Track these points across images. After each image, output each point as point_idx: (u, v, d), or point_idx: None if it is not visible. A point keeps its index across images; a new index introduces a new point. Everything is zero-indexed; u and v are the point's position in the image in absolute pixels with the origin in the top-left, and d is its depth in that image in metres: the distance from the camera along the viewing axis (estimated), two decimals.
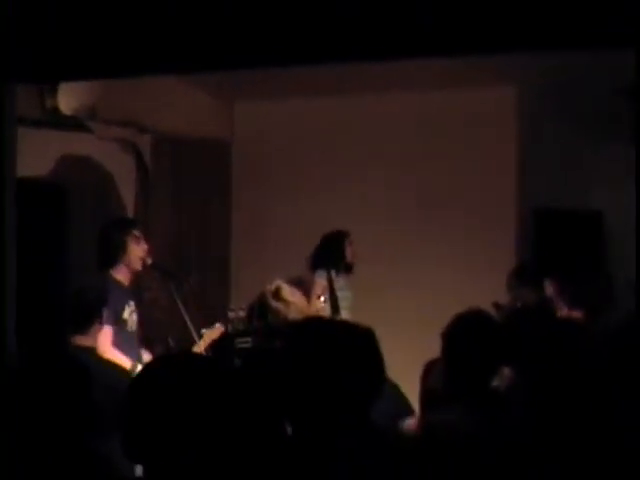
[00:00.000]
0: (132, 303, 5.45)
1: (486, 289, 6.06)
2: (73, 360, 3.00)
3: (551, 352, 3.28)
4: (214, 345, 5.65)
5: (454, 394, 3.31)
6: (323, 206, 7.91)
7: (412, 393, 4.32)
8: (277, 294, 4.57)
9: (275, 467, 2.41)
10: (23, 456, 2.73)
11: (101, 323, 4.49)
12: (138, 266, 5.49)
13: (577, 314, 4.93)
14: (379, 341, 2.52)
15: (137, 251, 5.47)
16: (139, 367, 4.73)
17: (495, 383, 3.34)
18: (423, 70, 6.41)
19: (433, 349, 3.61)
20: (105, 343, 4.89)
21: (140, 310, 5.72)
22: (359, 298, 7.18)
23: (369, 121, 7.95)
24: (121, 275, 5.42)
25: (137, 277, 5.70)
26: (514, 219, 7.67)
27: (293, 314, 4.48)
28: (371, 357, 2.48)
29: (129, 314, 5.39)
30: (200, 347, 5.52)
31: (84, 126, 6.55)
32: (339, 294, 7.07)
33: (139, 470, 2.40)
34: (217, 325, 5.69)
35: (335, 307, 6.99)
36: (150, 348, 5.69)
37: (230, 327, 6.46)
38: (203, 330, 5.61)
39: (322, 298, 6.74)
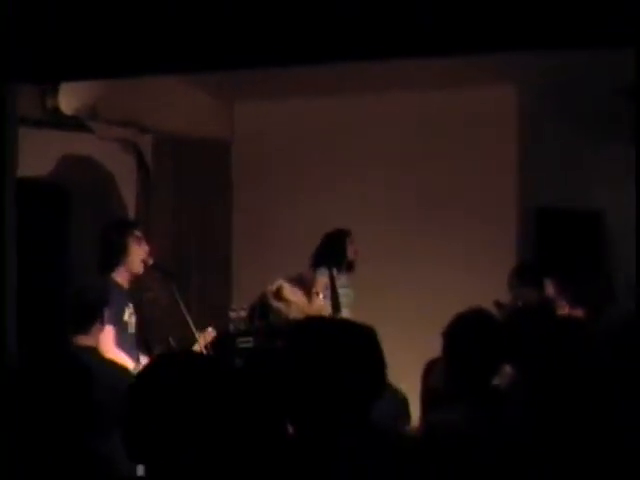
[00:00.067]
0: (131, 305, 5.46)
1: (487, 288, 6.06)
2: (74, 359, 3.00)
3: (551, 351, 3.28)
4: (215, 345, 5.65)
5: (455, 393, 3.31)
6: (323, 205, 7.91)
7: (413, 392, 4.31)
8: (278, 294, 4.57)
9: (276, 466, 2.41)
10: (24, 456, 2.73)
11: (102, 323, 4.49)
12: (139, 268, 5.48)
13: (578, 313, 4.94)
14: (380, 340, 2.53)
15: (138, 252, 5.46)
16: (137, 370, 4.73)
17: (496, 382, 3.34)
18: (423, 70, 6.41)
19: (434, 348, 3.61)
20: (108, 343, 4.90)
21: (141, 311, 5.72)
22: (360, 297, 7.18)
23: (369, 121, 7.95)
24: (121, 277, 5.41)
25: (137, 278, 5.69)
26: (515, 218, 7.67)
27: (294, 314, 4.48)
28: (372, 356, 2.48)
29: (129, 316, 5.40)
30: (197, 349, 5.52)
31: (85, 126, 6.55)
32: (340, 292, 7.08)
33: (141, 470, 2.40)
34: (209, 329, 5.68)
35: (336, 305, 7.00)
36: (148, 351, 5.68)
37: (231, 327, 6.46)
38: (196, 333, 5.60)
39: (321, 295, 6.74)
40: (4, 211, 3.41)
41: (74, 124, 6.45)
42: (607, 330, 3.75)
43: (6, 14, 3.30)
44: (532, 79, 7.11)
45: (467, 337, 3.29)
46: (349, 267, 7.20)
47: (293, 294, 4.61)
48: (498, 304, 5.77)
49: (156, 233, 7.15)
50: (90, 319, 4.39)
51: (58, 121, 6.28)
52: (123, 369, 4.48)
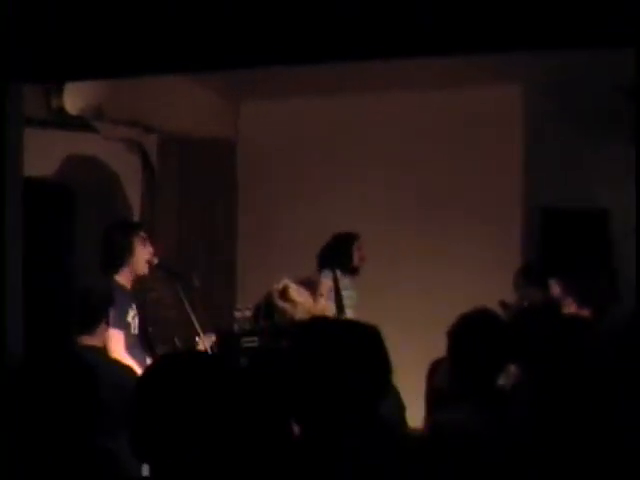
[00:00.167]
0: (134, 306, 5.46)
1: (492, 288, 6.06)
2: (80, 359, 3.01)
3: (556, 351, 3.28)
4: (220, 344, 5.65)
5: (460, 393, 3.31)
6: (329, 205, 7.91)
7: (418, 392, 4.32)
8: (284, 294, 4.57)
9: (281, 466, 2.41)
10: (29, 455, 2.74)
11: (107, 323, 4.50)
12: (144, 269, 5.48)
13: (585, 312, 4.93)
14: (384, 340, 2.53)
15: (143, 253, 5.47)
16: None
17: (502, 381, 3.34)
18: (426, 69, 6.41)
19: (439, 348, 3.61)
20: (118, 348, 4.90)
21: (145, 311, 5.72)
22: (364, 298, 7.18)
23: (373, 120, 7.95)
24: (124, 278, 5.41)
25: (141, 278, 5.69)
26: (519, 218, 7.66)
27: (300, 314, 4.48)
28: (377, 356, 2.48)
29: (132, 317, 5.40)
30: (201, 348, 5.52)
31: (90, 126, 6.55)
32: (344, 294, 7.08)
33: (146, 470, 2.40)
34: (208, 334, 5.68)
35: (340, 306, 7.00)
36: (152, 351, 5.69)
37: (236, 326, 6.46)
38: (197, 337, 5.61)
39: (322, 299, 6.75)
40: (10, 211, 3.41)
41: (79, 124, 6.45)
42: (611, 330, 3.75)
43: (7, 13, 3.31)
44: (536, 79, 7.11)
45: (472, 337, 3.29)
46: (353, 271, 7.20)
47: (299, 294, 4.61)
48: (503, 304, 5.77)
49: (161, 233, 7.15)
50: (95, 320, 4.40)
51: (63, 121, 6.29)
52: (128, 368, 4.48)
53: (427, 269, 7.70)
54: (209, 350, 5.48)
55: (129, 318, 5.35)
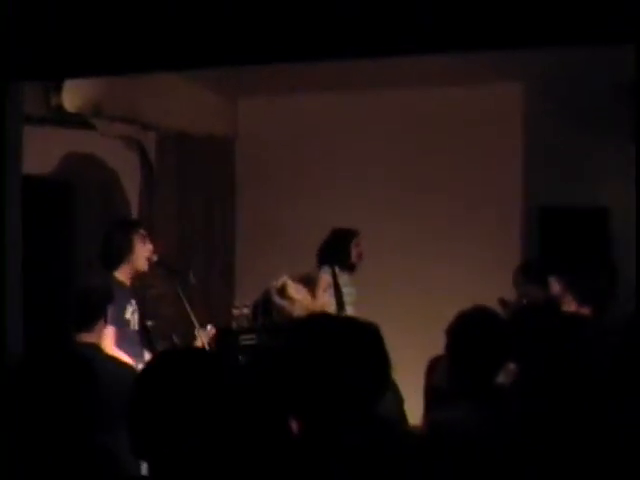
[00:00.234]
0: (134, 302, 5.46)
1: (492, 286, 6.06)
2: (78, 355, 3.01)
3: (555, 349, 3.28)
4: (218, 342, 5.65)
5: (459, 391, 3.31)
6: (328, 202, 7.92)
7: (417, 390, 4.32)
8: (282, 291, 4.56)
9: (280, 463, 2.41)
10: (27, 453, 2.74)
11: (106, 320, 4.50)
12: (144, 266, 5.50)
13: (585, 311, 4.93)
14: (383, 337, 2.53)
15: (143, 251, 5.48)
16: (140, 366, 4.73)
17: (501, 380, 3.34)
18: (427, 67, 6.41)
19: (437, 346, 3.61)
20: (108, 344, 4.90)
21: (144, 308, 5.72)
22: (363, 295, 7.18)
23: (373, 117, 7.95)
24: (123, 276, 5.42)
25: (140, 275, 5.70)
26: (519, 216, 7.67)
27: (298, 311, 4.47)
28: (375, 353, 2.48)
29: (131, 314, 5.40)
30: (199, 345, 5.51)
31: (88, 124, 6.55)
32: (344, 290, 7.08)
33: (146, 467, 2.40)
34: (209, 327, 5.68)
35: (340, 303, 7.00)
36: (151, 348, 5.69)
37: (234, 324, 6.46)
38: (196, 331, 5.60)
39: (326, 293, 6.76)
40: (9, 209, 3.41)
41: (78, 122, 6.45)
42: (610, 328, 3.75)
43: (6, 12, 3.31)
44: (536, 77, 7.11)
45: (471, 335, 3.29)
46: (350, 268, 7.20)
47: (297, 292, 4.60)
48: (503, 302, 5.77)
49: (159, 230, 7.15)
50: (94, 317, 4.40)
51: (62, 119, 6.28)
52: (127, 365, 4.48)
53: (427, 266, 7.70)
54: (207, 346, 5.48)
55: (127, 315, 5.35)
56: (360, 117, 7.97)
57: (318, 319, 2.67)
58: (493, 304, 4.48)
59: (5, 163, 3.39)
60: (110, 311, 4.55)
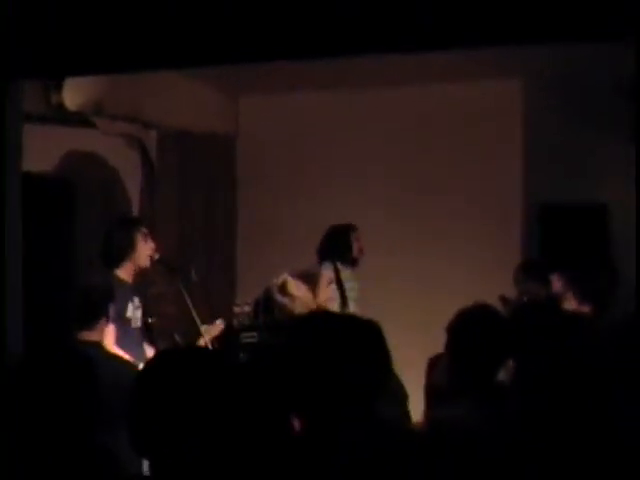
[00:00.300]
0: (136, 299, 5.46)
1: (492, 283, 6.06)
2: (79, 354, 3.01)
3: (555, 346, 3.27)
4: (220, 340, 5.65)
5: (459, 389, 3.31)
6: (327, 200, 7.91)
7: (418, 387, 4.32)
8: (283, 289, 4.57)
9: (281, 461, 2.41)
10: (28, 452, 2.74)
11: (108, 319, 4.50)
12: (146, 263, 5.51)
13: (585, 308, 4.93)
14: (384, 335, 2.53)
15: (145, 249, 5.49)
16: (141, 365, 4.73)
17: (502, 377, 3.33)
18: (427, 64, 6.41)
19: (438, 344, 3.61)
20: (109, 342, 4.90)
21: (145, 305, 5.72)
22: (363, 293, 7.18)
23: (373, 115, 7.95)
24: (125, 273, 5.42)
25: (143, 272, 5.70)
26: (519, 213, 7.66)
27: (299, 309, 4.48)
28: (376, 350, 2.48)
29: (132, 311, 5.40)
30: (202, 344, 5.52)
31: (89, 122, 6.55)
32: (346, 286, 7.08)
33: (147, 465, 2.41)
34: (217, 322, 5.67)
35: (343, 299, 7.00)
36: (153, 344, 5.69)
37: (235, 322, 6.47)
38: (204, 326, 5.61)
39: (332, 286, 6.79)
40: (9, 207, 3.41)
41: (78, 120, 6.45)
42: (611, 326, 3.75)
43: (6, 11, 3.30)
44: (536, 73, 7.10)
45: (472, 332, 3.28)
46: (353, 263, 7.20)
47: (298, 289, 4.61)
48: (503, 299, 5.77)
49: (160, 228, 7.15)
50: (96, 315, 4.40)
51: (62, 117, 6.28)
52: (128, 363, 4.49)
53: (427, 264, 7.70)
54: (209, 344, 5.48)
55: (128, 312, 5.35)
56: (359, 115, 7.97)
57: (319, 316, 2.67)
58: (494, 301, 4.48)
59: (5, 161, 3.39)
60: (111, 309, 4.55)
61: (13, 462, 2.73)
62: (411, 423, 4.03)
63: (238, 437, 2.25)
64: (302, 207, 8.11)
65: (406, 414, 4.06)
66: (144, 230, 5.56)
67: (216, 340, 5.60)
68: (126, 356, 4.95)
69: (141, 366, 3.19)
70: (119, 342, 5.03)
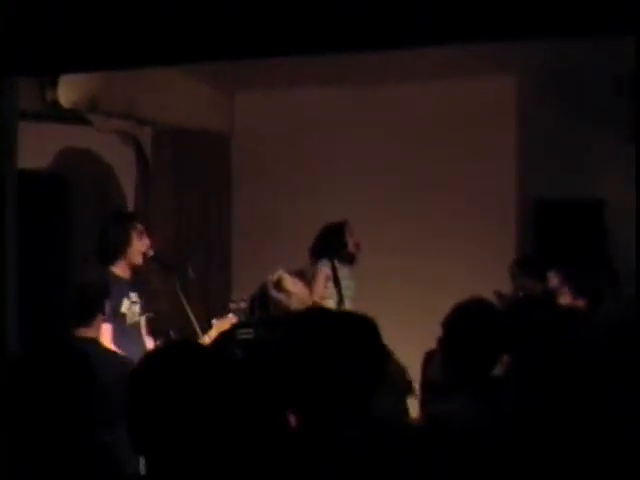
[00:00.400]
0: (133, 295, 5.45)
1: (488, 279, 6.07)
2: (76, 351, 3.00)
3: (549, 341, 3.28)
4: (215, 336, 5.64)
5: (455, 383, 3.31)
6: (324, 196, 7.92)
7: (416, 384, 4.33)
8: (279, 285, 4.57)
9: (277, 457, 2.41)
10: (25, 451, 2.73)
11: (104, 314, 4.50)
12: (139, 260, 5.49)
13: (580, 303, 4.94)
14: (379, 330, 2.53)
15: (139, 245, 5.48)
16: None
17: (497, 372, 3.34)
18: (423, 60, 6.41)
19: (434, 339, 3.61)
20: (104, 341, 4.90)
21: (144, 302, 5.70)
22: (360, 289, 7.19)
23: (370, 111, 7.95)
24: (120, 270, 5.41)
25: (137, 269, 5.69)
26: (514, 209, 7.68)
27: (295, 305, 4.48)
28: (373, 346, 2.48)
29: (128, 307, 5.39)
30: (210, 337, 5.51)
31: (84, 119, 6.54)
32: (343, 284, 7.08)
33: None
34: (230, 315, 5.65)
35: (340, 296, 7.00)
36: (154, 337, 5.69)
37: None
38: (214, 320, 5.60)
39: (329, 283, 6.79)
40: (5, 204, 3.41)
41: (73, 117, 6.44)
42: (606, 321, 3.76)
43: (5, 7, 3.30)
44: (533, 69, 7.11)
45: (467, 327, 3.28)
46: (350, 259, 7.20)
47: (294, 285, 4.60)
48: (499, 294, 5.78)
49: (155, 225, 7.14)
50: (92, 312, 4.40)
51: (57, 114, 6.27)
52: (125, 360, 4.48)
53: (423, 259, 7.71)
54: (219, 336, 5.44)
55: (123, 309, 5.34)
56: (357, 111, 7.97)
57: (315, 313, 2.67)
58: (489, 296, 4.48)
59: (1, 158, 3.39)
60: (107, 306, 4.55)
61: (12, 461, 2.72)
62: (408, 414, 4.04)
63: (234, 433, 2.25)
64: (298, 204, 8.10)
65: (404, 406, 4.07)
66: (139, 226, 5.55)
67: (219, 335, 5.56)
68: (122, 352, 4.95)
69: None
70: (114, 338, 5.03)
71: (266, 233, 8.18)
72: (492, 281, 5.96)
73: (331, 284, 7.01)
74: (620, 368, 2.99)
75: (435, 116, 7.79)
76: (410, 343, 5.50)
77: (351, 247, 7.14)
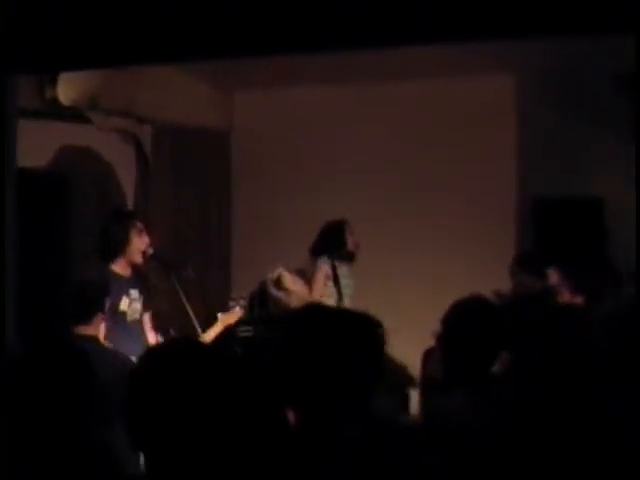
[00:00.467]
0: (133, 292, 5.45)
1: (487, 278, 6.06)
2: (76, 348, 3.01)
3: (549, 338, 3.28)
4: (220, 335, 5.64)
5: (454, 381, 3.31)
6: (324, 195, 7.92)
7: (414, 379, 4.33)
8: (278, 283, 4.57)
9: (277, 454, 2.41)
10: (25, 449, 2.73)
11: (104, 312, 4.51)
12: (138, 258, 5.49)
13: (578, 300, 4.95)
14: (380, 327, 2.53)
15: (139, 244, 5.48)
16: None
17: (496, 369, 3.34)
18: (422, 59, 6.41)
19: (434, 338, 3.61)
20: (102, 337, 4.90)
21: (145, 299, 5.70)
22: (360, 287, 7.19)
23: (369, 110, 7.95)
24: (120, 268, 5.42)
25: (136, 268, 5.69)
26: (513, 207, 7.67)
27: (294, 303, 4.48)
28: (372, 344, 2.48)
29: (127, 305, 5.39)
30: (215, 331, 5.51)
31: (84, 117, 6.54)
32: (342, 282, 7.09)
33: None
34: (236, 309, 5.65)
35: (339, 295, 7.01)
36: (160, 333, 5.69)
37: None
38: (219, 314, 5.60)
39: (328, 282, 6.80)
40: (4, 202, 3.41)
41: (73, 115, 6.44)
42: (605, 318, 3.76)
43: (5, 6, 3.30)
44: (533, 68, 7.11)
45: (466, 324, 3.29)
46: (350, 258, 7.20)
47: (293, 283, 4.61)
48: (498, 294, 5.77)
49: (155, 223, 7.13)
50: (92, 310, 4.41)
51: (57, 112, 6.27)
52: (125, 357, 4.48)
53: (423, 258, 7.70)
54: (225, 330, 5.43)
55: (123, 306, 5.34)
56: (356, 109, 7.97)
57: (315, 310, 2.67)
58: (488, 295, 4.48)
59: (1, 156, 3.39)
60: (109, 301, 4.56)
61: (12, 460, 2.73)
62: (407, 410, 4.04)
63: (234, 430, 2.25)
64: (298, 203, 8.10)
65: (404, 400, 4.07)
66: (139, 225, 5.55)
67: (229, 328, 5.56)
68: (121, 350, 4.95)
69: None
70: (113, 336, 5.02)
71: (265, 232, 8.18)
72: (492, 280, 5.94)
73: (331, 282, 7.01)
74: (618, 365, 2.99)
75: (434, 115, 7.78)
76: (410, 342, 5.51)
77: (351, 246, 7.14)
